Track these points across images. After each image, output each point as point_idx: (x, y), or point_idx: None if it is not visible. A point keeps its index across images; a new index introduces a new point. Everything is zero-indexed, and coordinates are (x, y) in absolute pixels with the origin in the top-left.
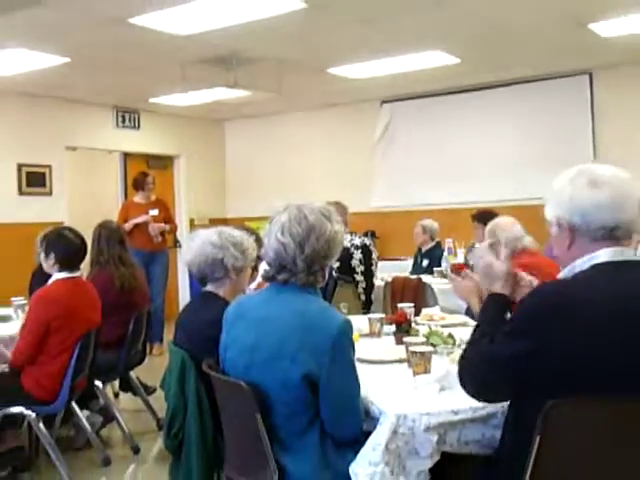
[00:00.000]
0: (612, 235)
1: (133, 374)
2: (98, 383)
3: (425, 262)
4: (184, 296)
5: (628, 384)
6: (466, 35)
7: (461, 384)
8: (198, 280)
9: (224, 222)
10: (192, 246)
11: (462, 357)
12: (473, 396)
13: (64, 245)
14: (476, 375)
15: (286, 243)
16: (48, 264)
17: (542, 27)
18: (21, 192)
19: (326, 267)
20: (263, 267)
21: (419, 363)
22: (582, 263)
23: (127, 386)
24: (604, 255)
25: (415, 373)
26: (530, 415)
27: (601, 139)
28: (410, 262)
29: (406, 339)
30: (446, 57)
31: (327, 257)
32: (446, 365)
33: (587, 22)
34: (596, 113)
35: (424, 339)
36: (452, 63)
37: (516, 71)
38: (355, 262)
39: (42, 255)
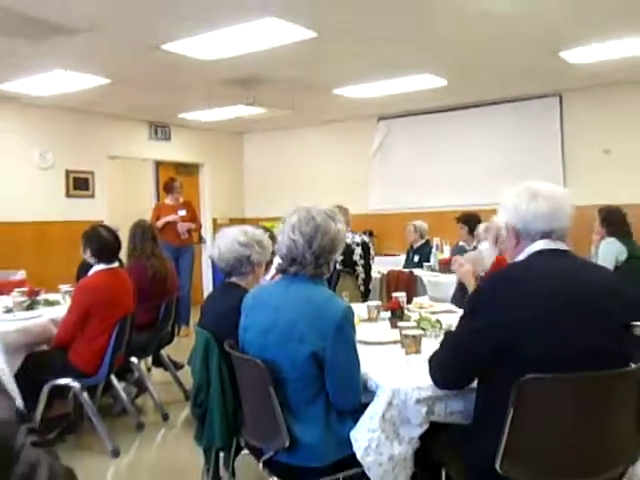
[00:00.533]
0: (548, 237)
1: (163, 352)
2: (133, 359)
3: (416, 258)
4: (207, 285)
5: (562, 347)
6: (451, 61)
7: (432, 380)
8: (225, 273)
9: (242, 221)
10: (221, 244)
11: (430, 358)
12: (443, 386)
13: (97, 241)
14: (442, 365)
15: (296, 240)
16: (87, 256)
17: (518, 54)
18: (68, 194)
19: (331, 261)
20: (277, 261)
21: (411, 344)
22: (523, 254)
23: (158, 362)
24: (540, 245)
25: (408, 353)
26: (495, 391)
27: (569, 153)
28: (403, 257)
29: (400, 324)
30: (434, 80)
31: (332, 252)
32: (434, 346)
33: (558, 50)
34: (565, 130)
35: (415, 324)
36: (439, 85)
37: (495, 92)
38: (356, 257)
39: (83, 249)
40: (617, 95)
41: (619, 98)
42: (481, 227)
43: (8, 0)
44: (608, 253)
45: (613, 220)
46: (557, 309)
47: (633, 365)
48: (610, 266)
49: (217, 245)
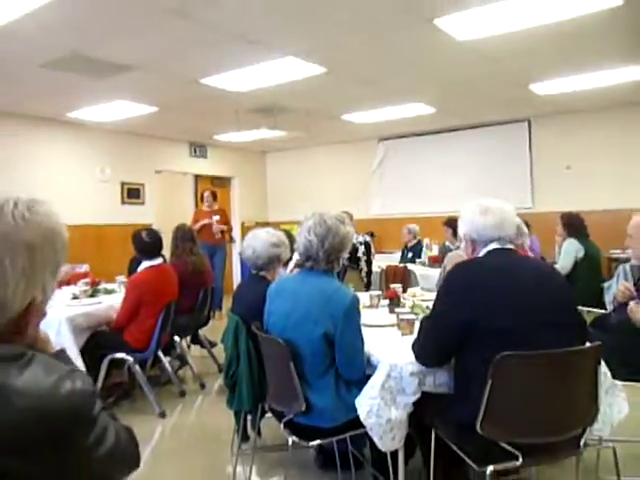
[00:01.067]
0: (497, 241)
1: (201, 332)
2: (176, 338)
3: (409, 255)
4: (236, 277)
5: (516, 320)
6: (439, 93)
7: (416, 359)
8: (256, 269)
9: (266, 224)
10: (257, 245)
11: (412, 344)
12: (427, 365)
13: (138, 242)
14: (422, 347)
15: (312, 240)
16: (137, 253)
17: (494, 87)
18: (123, 202)
19: (340, 258)
20: (295, 257)
21: (406, 327)
22: (480, 254)
23: (196, 340)
24: (492, 246)
25: (403, 334)
26: (469, 365)
27: (537, 168)
28: (398, 255)
29: (397, 310)
30: (425, 108)
31: (341, 250)
32: None
33: (528, 84)
34: (533, 149)
35: (410, 310)
36: (429, 112)
37: (475, 118)
38: (359, 254)
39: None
40: (577, 120)
41: (579, 123)
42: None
43: (76, 44)
44: (569, 251)
45: (573, 224)
46: (508, 290)
47: (588, 343)
48: (571, 262)
49: (252, 246)
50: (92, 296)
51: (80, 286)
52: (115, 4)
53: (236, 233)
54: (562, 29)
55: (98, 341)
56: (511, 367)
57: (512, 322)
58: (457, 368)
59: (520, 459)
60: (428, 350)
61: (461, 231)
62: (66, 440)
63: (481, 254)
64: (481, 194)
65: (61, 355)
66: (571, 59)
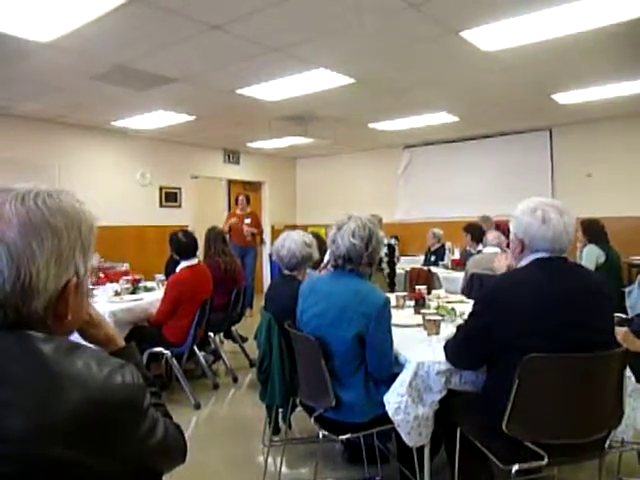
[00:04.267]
0: (548, 251)
1: (233, 328)
2: (210, 334)
3: (433, 258)
4: (266, 277)
5: (553, 341)
6: (463, 102)
7: (450, 363)
8: (288, 268)
9: (295, 227)
10: (292, 246)
11: (445, 345)
12: (459, 368)
13: (175, 243)
14: (455, 352)
15: (356, 244)
16: (174, 253)
17: (517, 97)
18: (161, 205)
19: (376, 261)
20: (326, 258)
21: (432, 327)
22: (525, 260)
23: (229, 336)
24: (540, 254)
25: (429, 334)
26: (501, 371)
27: (558, 176)
28: (421, 258)
29: (423, 310)
30: (449, 117)
31: (378, 253)
32: (451, 329)
33: (550, 93)
34: (554, 158)
35: (435, 311)
36: (453, 121)
37: (497, 127)
38: (382, 256)
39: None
40: (597, 129)
41: (599, 132)
42: (490, 236)
43: (121, 57)
44: (590, 257)
45: (593, 230)
46: (545, 310)
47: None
48: (592, 268)
49: (286, 246)
50: (133, 293)
51: (122, 283)
52: (158, 20)
53: (266, 235)
54: (585, 39)
55: (138, 335)
56: (538, 369)
57: (545, 342)
58: (490, 372)
59: (545, 459)
60: (461, 357)
61: (513, 229)
62: (120, 430)
63: (526, 261)
64: (502, 200)
65: (127, 350)
66: (594, 69)
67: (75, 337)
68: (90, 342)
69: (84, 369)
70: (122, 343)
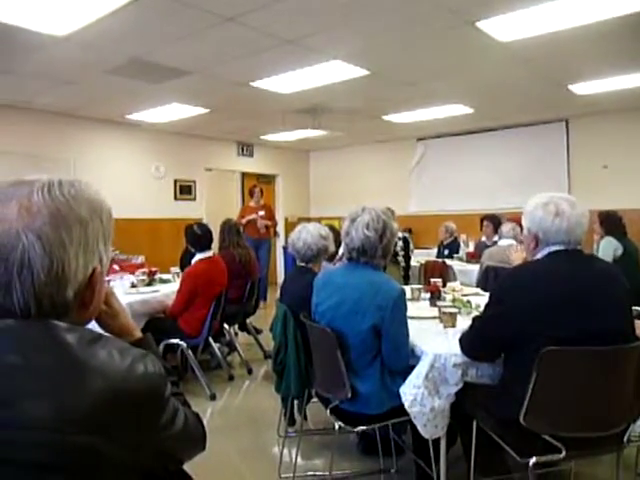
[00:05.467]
0: (562, 244)
1: (248, 320)
2: (226, 325)
3: (446, 251)
4: (280, 269)
5: (569, 329)
6: (478, 93)
7: (465, 356)
8: (304, 260)
9: (308, 219)
10: (308, 238)
11: (460, 338)
12: (472, 358)
13: (191, 235)
14: (472, 344)
15: (370, 236)
16: (189, 246)
17: (532, 88)
18: (176, 198)
19: (390, 253)
20: (341, 250)
21: (449, 320)
22: (541, 254)
23: (244, 328)
24: (555, 247)
25: (446, 326)
26: (518, 362)
27: (574, 168)
28: (434, 250)
29: (439, 303)
30: (463, 109)
31: (392, 245)
32: (466, 322)
33: (566, 84)
34: (570, 149)
35: (451, 303)
36: (467, 113)
37: (512, 118)
38: (398, 249)
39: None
40: (614, 120)
41: (616, 123)
42: (505, 228)
43: (136, 50)
44: (607, 250)
45: (611, 222)
46: (562, 301)
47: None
48: (609, 260)
49: (302, 239)
50: (149, 285)
51: (138, 275)
52: (172, 13)
53: (280, 228)
54: (602, 29)
55: (154, 327)
56: (556, 361)
57: (563, 332)
58: (507, 364)
59: (563, 452)
60: (477, 348)
61: (526, 224)
62: (142, 419)
63: (541, 254)
64: (517, 193)
65: (144, 341)
66: (611, 59)
67: (92, 325)
68: (108, 331)
69: (107, 359)
70: (139, 334)
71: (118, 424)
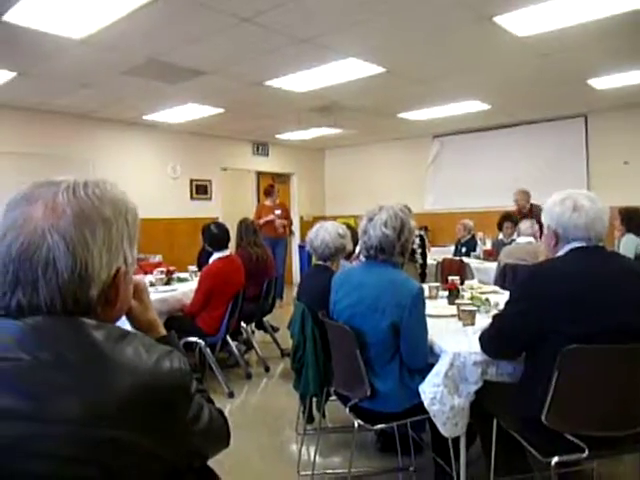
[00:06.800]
0: (583, 240)
1: (265, 319)
2: (243, 324)
3: (464, 249)
4: (296, 268)
5: (592, 326)
6: (495, 89)
7: (486, 354)
8: (322, 259)
9: (323, 218)
10: (326, 237)
11: (480, 336)
12: (492, 356)
13: (208, 234)
14: (493, 342)
15: (388, 234)
16: (206, 245)
17: (551, 83)
18: (192, 197)
19: (408, 250)
20: (358, 248)
21: (468, 317)
22: (562, 251)
23: (261, 326)
24: (576, 243)
25: (465, 324)
26: (540, 360)
27: (593, 164)
28: (451, 248)
29: (457, 301)
30: (480, 105)
31: (410, 242)
32: (485, 320)
33: (586, 78)
34: (590, 145)
35: (469, 301)
36: (484, 109)
37: (530, 114)
38: (415, 247)
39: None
40: (635, 114)
41: (637, 117)
42: (523, 225)
43: (152, 51)
44: (628, 247)
45: (632, 219)
46: (583, 299)
47: None
48: (631, 257)
49: (320, 237)
50: (167, 284)
51: (156, 274)
52: (187, 13)
53: (295, 227)
54: (621, 22)
55: (173, 325)
56: (578, 359)
57: (585, 330)
58: (528, 361)
59: (586, 451)
60: (497, 346)
61: (545, 221)
62: (169, 415)
63: (562, 252)
64: (535, 190)
65: (169, 338)
66: (630, 52)
67: (122, 320)
68: (136, 326)
69: (134, 355)
70: (164, 331)
71: (146, 419)
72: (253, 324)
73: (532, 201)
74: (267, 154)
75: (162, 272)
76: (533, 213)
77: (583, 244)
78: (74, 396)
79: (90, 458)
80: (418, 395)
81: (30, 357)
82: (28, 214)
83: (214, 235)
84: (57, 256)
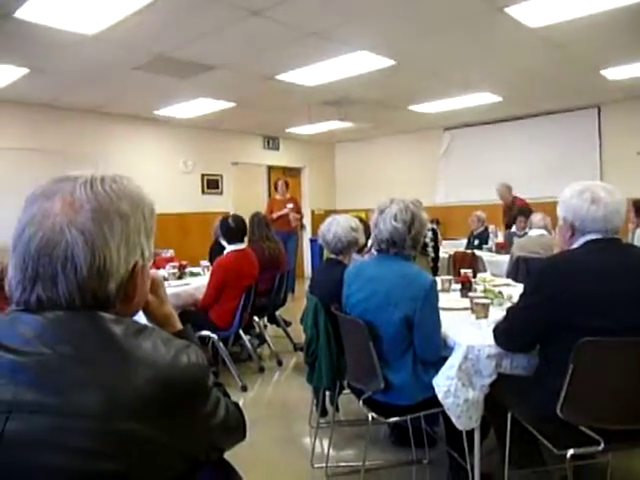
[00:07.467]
0: (600, 232)
1: (277, 313)
2: (255, 318)
3: (476, 242)
4: (307, 262)
5: (607, 320)
6: (507, 81)
7: (500, 347)
8: (334, 252)
9: (335, 212)
10: (339, 231)
11: (495, 328)
12: (509, 351)
13: (225, 227)
14: (507, 335)
15: (399, 227)
16: (220, 238)
17: (564, 74)
18: (203, 192)
19: (420, 243)
20: (370, 242)
21: (481, 310)
22: (577, 243)
23: (273, 320)
24: (592, 235)
25: (478, 317)
26: (554, 353)
27: (606, 155)
28: (463, 241)
29: (470, 294)
30: (491, 97)
31: (422, 236)
32: (499, 313)
33: (598, 69)
34: (602, 136)
35: (482, 294)
36: (496, 101)
37: (542, 106)
38: (427, 240)
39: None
40: None
41: None
42: (535, 218)
43: (162, 47)
44: None
45: None
46: (598, 291)
47: None
48: None
49: (332, 231)
50: (179, 278)
51: (169, 269)
52: (197, 8)
53: (306, 220)
54: (635, 11)
55: (186, 319)
56: (593, 352)
57: (600, 323)
58: (543, 354)
59: (602, 444)
60: (511, 339)
61: (561, 213)
62: (187, 408)
63: (578, 244)
64: (547, 182)
65: (185, 332)
66: None
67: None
68: (153, 320)
69: (152, 350)
70: (180, 326)
71: (164, 413)
72: (265, 318)
73: (539, 195)
74: (278, 148)
75: (175, 267)
76: (515, 205)
77: (599, 236)
78: (95, 390)
79: (113, 452)
80: (431, 388)
81: (51, 351)
82: (46, 210)
83: (230, 228)
84: (76, 251)
